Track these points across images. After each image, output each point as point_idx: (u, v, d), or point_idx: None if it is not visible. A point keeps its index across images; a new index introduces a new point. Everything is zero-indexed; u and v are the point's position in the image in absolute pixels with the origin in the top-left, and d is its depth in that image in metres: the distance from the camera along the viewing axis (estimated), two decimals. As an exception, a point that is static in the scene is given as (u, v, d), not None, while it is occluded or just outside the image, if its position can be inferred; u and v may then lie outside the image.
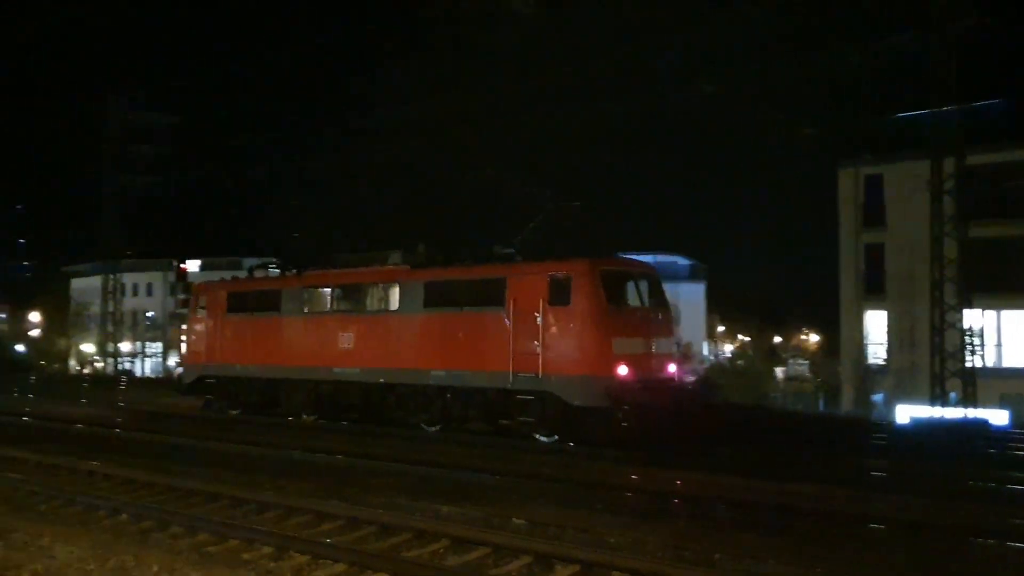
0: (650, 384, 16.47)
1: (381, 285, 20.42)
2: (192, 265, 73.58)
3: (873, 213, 37.43)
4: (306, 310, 21.97)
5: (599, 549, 8.73)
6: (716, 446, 16.19)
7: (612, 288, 16.99)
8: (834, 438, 19.56)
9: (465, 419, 18.67)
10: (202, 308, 24.61)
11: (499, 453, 15.33)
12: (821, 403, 38.26)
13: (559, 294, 16.74)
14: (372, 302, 20.70)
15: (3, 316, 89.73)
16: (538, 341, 16.76)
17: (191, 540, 9.32)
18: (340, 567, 8.29)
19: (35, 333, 78.64)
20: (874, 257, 37.52)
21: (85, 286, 75.74)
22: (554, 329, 16.75)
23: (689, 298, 70.01)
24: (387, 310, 20.12)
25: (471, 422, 18.63)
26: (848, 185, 38.37)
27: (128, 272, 53.33)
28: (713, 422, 18.29)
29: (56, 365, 70.32)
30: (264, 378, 22.59)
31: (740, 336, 78.00)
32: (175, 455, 15.36)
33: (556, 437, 16.88)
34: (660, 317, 17.88)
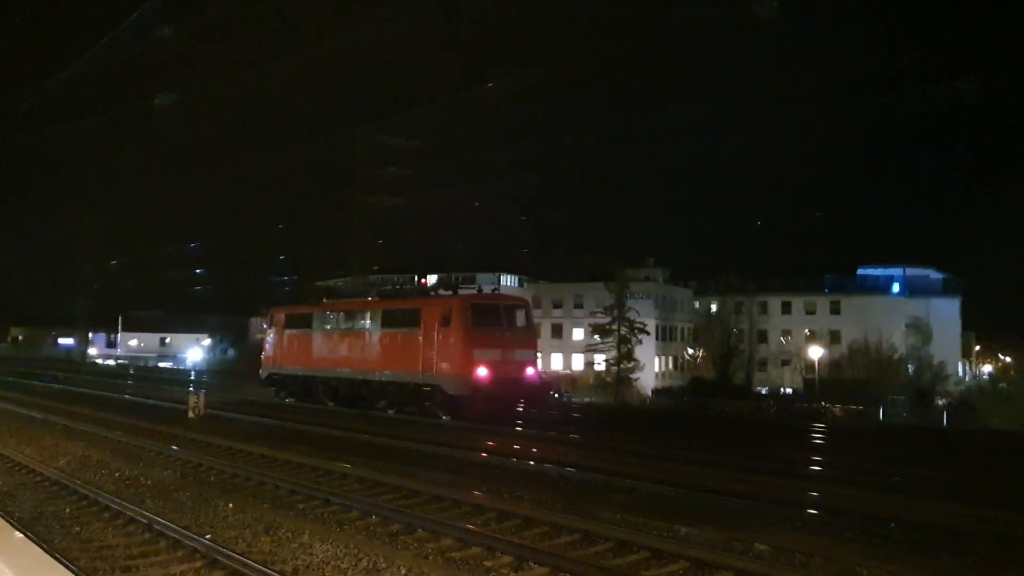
0: (502, 381, 23.77)
1: (362, 312, 28.85)
2: (431, 280, 77.17)
3: None
4: (327, 328, 30.28)
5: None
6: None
7: (479, 315, 24.69)
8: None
9: (403, 405, 26.08)
10: (273, 325, 33.48)
11: (737, 475, 14.81)
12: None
13: (446, 319, 24.69)
14: (358, 323, 28.88)
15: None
16: (434, 350, 24.76)
17: (436, 544, 9.68)
18: (578, 581, 8.32)
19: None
20: None
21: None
22: (444, 342, 24.61)
23: (941, 314, 64.64)
24: (364, 329, 28.34)
25: (408, 407, 25.82)
26: None
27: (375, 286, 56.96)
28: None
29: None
30: (303, 376, 31.12)
31: (1001, 356, 71.59)
32: (421, 460, 16.11)
33: (449, 417, 24.12)
34: (519, 335, 25.69)
